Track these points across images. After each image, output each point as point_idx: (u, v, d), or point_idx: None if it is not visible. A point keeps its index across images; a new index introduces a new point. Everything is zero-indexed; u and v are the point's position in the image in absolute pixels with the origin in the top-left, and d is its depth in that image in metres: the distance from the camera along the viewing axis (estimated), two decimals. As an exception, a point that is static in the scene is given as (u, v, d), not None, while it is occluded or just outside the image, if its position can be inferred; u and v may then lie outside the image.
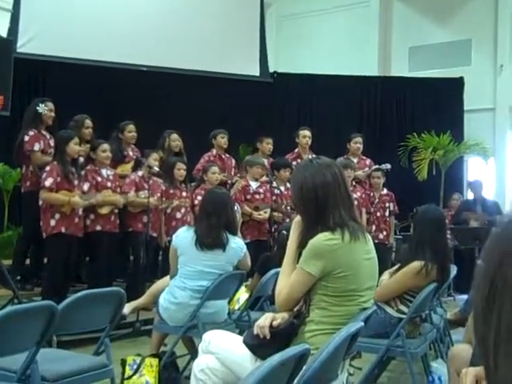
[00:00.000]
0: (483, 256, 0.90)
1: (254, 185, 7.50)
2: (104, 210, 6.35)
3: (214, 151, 8.06)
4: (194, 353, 4.22)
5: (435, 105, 11.10)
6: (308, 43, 12.54)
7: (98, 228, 6.36)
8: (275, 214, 7.38)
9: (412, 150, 10.40)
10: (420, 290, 3.90)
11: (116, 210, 6.50)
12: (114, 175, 6.68)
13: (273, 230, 7.20)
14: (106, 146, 6.49)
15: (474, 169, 11.55)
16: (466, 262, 8.79)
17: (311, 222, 2.71)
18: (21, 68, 8.23)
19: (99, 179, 6.41)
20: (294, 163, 7.72)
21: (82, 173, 6.33)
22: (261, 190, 7.51)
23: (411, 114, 11.46)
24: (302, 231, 2.76)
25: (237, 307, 5.02)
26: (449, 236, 7.74)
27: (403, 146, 10.48)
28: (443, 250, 4.13)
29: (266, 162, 7.86)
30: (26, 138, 6.42)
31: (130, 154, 7.38)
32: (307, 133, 8.28)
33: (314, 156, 2.92)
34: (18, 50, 8.75)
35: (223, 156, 8.13)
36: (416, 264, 3.95)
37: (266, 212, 7.35)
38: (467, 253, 9.07)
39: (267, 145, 8.18)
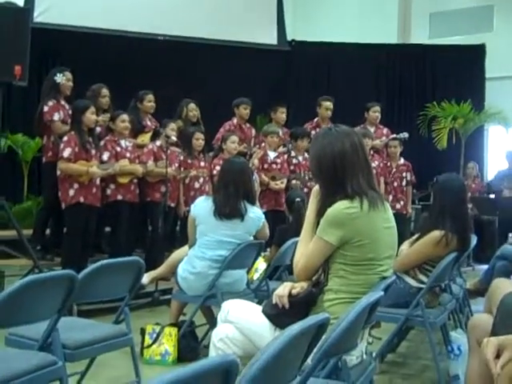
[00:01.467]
0: None
1: (271, 155, 7.47)
2: (123, 179, 6.37)
3: (235, 120, 7.96)
4: (212, 322, 4.24)
5: (456, 73, 10.95)
6: (326, 11, 12.39)
7: (119, 197, 6.38)
8: (293, 182, 7.35)
9: (431, 119, 10.29)
10: (439, 260, 3.86)
11: (135, 180, 6.51)
12: (133, 145, 6.68)
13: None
14: (125, 116, 6.47)
15: (495, 138, 11.42)
16: (486, 232, 8.76)
17: (329, 190, 2.68)
18: (38, 38, 8.18)
19: (118, 149, 6.41)
20: (313, 132, 7.65)
21: (102, 143, 6.34)
22: (278, 161, 7.48)
23: (431, 83, 11.33)
24: (320, 200, 2.73)
25: (255, 277, 5.03)
26: (469, 205, 7.70)
27: (422, 115, 10.36)
28: (463, 220, 4.08)
29: (280, 131, 7.79)
30: (46, 109, 6.44)
31: (149, 123, 7.36)
32: (331, 105, 8.17)
33: (333, 125, 2.87)
34: (35, 20, 8.70)
35: (243, 126, 8.06)
36: (436, 233, 3.91)
37: (282, 182, 7.33)
38: (487, 223, 9.03)
39: (281, 114, 8.05)
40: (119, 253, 5.40)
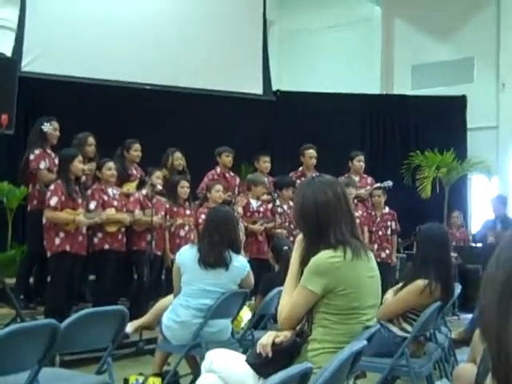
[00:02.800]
0: (496, 261, 0.99)
1: (254, 203, 7.52)
2: (111, 228, 6.36)
3: (219, 169, 8.05)
4: (196, 372, 4.19)
5: (438, 123, 11.13)
6: (310, 61, 12.60)
7: (106, 247, 6.37)
8: (278, 230, 7.37)
9: (415, 168, 10.40)
10: (424, 309, 3.87)
11: (123, 229, 6.51)
12: (120, 194, 6.69)
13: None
14: (111, 164, 6.51)
15: (478, 187, 11.54)
16: (470, 280, 8.77)
17: (313, 239, 2.71)
18: (25, 87, 8.26)
19: (105, 198, 6.42)
20: (298, 181, 7.71)
21: (89, 192, 6.35)
22: (261, 209, 7.54)
23: (414, 132, 11.48)
24: (304, 248, 2.76)
25: (242, 325, 5.00)
26: (453, 254, 7.73)
27: (406, 164, 10.48)
28: (447, 269, 4.10)
29: (266, 180, 7.87)
30: (32, 157, 6.47)
31: (134, 172, 7.39)
32: (314, 153, 8.25)
33: (317, 174, 2.91)
34: (23, 69, 8.79)
35: (227, 174, 8.13)
36: (420, 282, 3.93)
37: (262, 224, 7.35)
38: (472, 271, 9.06)
39: (264, 163, 8.16)
40: (103, 301, 5.35)
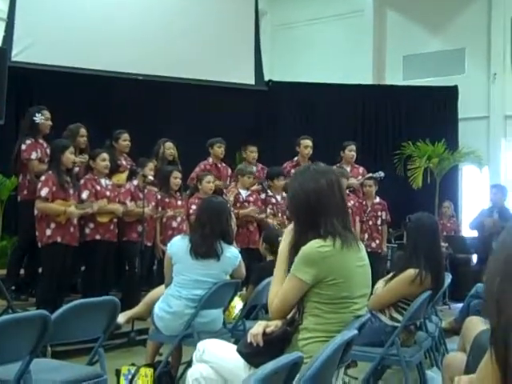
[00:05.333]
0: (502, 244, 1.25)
1: (244, 193, 7.53)
2: (103, 219, 6.35)
3: (211, 160, 8.05)
4: (178, 363, 4.40)
5: (429, 113, 11.16)
6: (303, 52, 12.59)
7: (98, 237, 6.35)
8: (270, 221, 7.38)
9: (407, 159, 10.43)
10: (414, 298, 3.90)
11: (115, 220, 6.50)
12: (113, 185, 6.68)
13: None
14: (105, 155, 6.50)
15: (469, 177, 11.59)
16: (461, 270, 8.82)
17: (303, 228, 2.71)
18: (15, 76, 8.23)
19: (98, 188, 6.41)
20: (293, 171, 7.71)
21: (81, 182, 6.33)
22: (251, 199, 7.55)
23: (406, 123, 11.50)
24: (293, 237, 2.75)
25: (233, 316, 5.01)
26: (443, 244, 7.76)
27: (398, 155, 10.51)
28: (437, 258, 4.13)
29: (254, 169, 7.89)
30: (23, 147, 6.44)
31: (124, 163, 7.37)
32: (310, 143, 8.28)
33: (312, 163, 2.91)
34: (13, 59, 8.75)
35: (219, 165, 8.13)
36: (410, 272, 3.95)
37: (250, 210, 7.39)
38: (462, 261, 9.10)
39: (251, 153, 8.22)
40: (94, 292, 5.35)
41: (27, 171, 6.50)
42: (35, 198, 5.97)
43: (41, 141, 6.62)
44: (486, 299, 1.18)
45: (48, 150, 6.47)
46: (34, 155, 6.45)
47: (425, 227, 4.14)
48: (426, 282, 3.95)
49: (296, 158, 8.40)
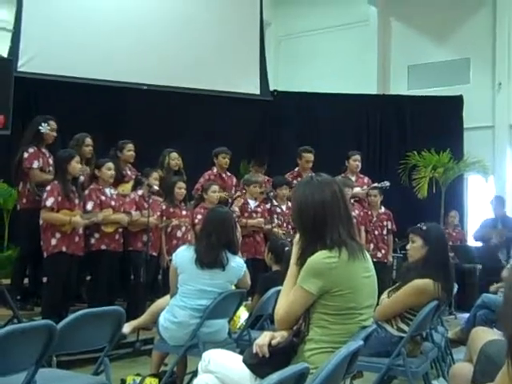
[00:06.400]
0: None
1: (252, 203, 7.52)
2: (109, 229, 6.36)
3: (215, 170, 8.06)
4: (183, 373, 4.36)
5: (435, 123, 11.16)
6: (307, 62, 12.62)
7: (103, 247, 6.36)
8: (275, 230, 7.37)
9: (412, 168, 10.42)
10: (421, 309, 3.88)
11: (120, 229, 6.50)
12: (118, 194, 6.68)
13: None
14: (110, 164, 6.50)
15: (474, 187, 11.56)
16: (467, 280, 8.80)
17: (309, 239, 2.70)
18: (21, 87, 8.26)
19: (103, 198, 6.41)
20: (295, 182, 7.72)
21: (86, 192, 6.34)
22: (259, 209, 7.54)
23: (411, 132, 11.50)
24: (299, 248, 2.75)
25: (238, 325, 5.00)
26: (450, 254, 7.73)
27: (403, 164, 10.50)
28: (445, 268, 4.11)
29: (260, 179, 7.91)
30: (26, 155, 6.41)
31: (129, 173, 7.37)
32: (311, 157, 8.29)
33: (314, 174, 2.90)
34: (19, 69, 8.79)
35: (224, 175, 8.13)
36: (418, 282, 3.94)
37: (258, 221, 7.41)
38: (468, 271, 9.08)
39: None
40: (99, 302, 5.35)
41: (27, 180, 6.46)
42: (35, 206, 5.97)
43: (43, 150, 6.59)
44: (504, 310, 1.16)
45: (50, 160, 6.46)
46: (35, 164, 6.41)
47: (433, 238, 4.13)
48: (432, 292, 3.93)
49: (297, 169, 8.41)
